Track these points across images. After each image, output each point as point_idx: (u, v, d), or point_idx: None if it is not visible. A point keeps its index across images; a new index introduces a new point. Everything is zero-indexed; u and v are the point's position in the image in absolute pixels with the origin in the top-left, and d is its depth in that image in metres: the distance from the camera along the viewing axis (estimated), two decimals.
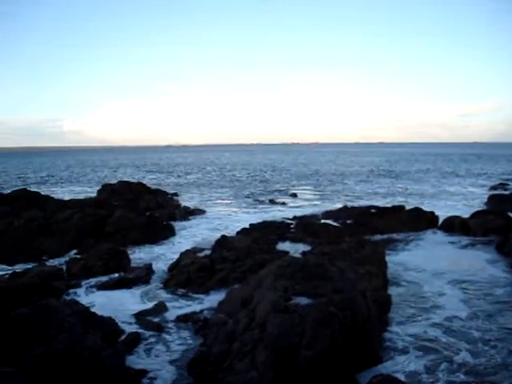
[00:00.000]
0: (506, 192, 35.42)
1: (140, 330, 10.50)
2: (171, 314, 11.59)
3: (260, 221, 23.02)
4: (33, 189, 31.17)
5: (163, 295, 13.20)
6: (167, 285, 13.93)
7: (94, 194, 34.82)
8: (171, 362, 9.15)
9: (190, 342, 10.08)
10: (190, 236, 21.44)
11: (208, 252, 16.46)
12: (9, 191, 28.80)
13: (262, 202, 33.65)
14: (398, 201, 30.87)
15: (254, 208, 30.98)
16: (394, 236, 20.70)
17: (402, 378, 8.24)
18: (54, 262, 16.73)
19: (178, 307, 12.15)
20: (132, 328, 10.69)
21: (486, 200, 30.90)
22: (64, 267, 15.48)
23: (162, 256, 17.72)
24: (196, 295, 13.06)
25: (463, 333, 10.42)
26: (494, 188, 40.18)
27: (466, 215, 23.02)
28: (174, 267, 15.13)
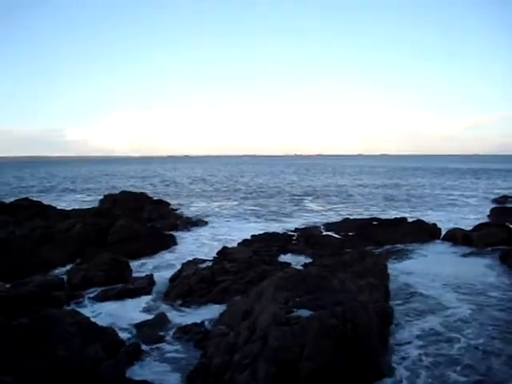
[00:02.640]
0: (509, 205, 35.38)
1: (140, 341, 10.47)
2: (172, 326, 11.55)
3: (262, 232, 23.03)
4: (35, 198, 31.19)
5: (164, 306, 13.16)
6: (168, 296, 13.89)
7: (96, 204, 34.88)
8: (171, 374, 9.11)
9: (190, 353, 10.03)
10: (192, 247, 21.43)
11: (209, 263, 16.44)
12: (12, 200, 28.84)
13: (264, 214, 33.59)
14: (400, 213, 30.80)
15: (257, 219, 30.94)
16: (396, 247, 20.72)
17: None
18: (55, 272, 16.74)
19: (178, 318, 12.11)
20: (133, 339, 10.67)
21: (488, 213, 30.84)
22: (65, 277, 15.48)
23: (163, 267, 17.71)
24: (197, 306, 13.01)
25: (469, 343, 10.41)
26: (496, 201, 40.09)
27: (468, 228, 23.07)
28: (175, 278, 15.12)
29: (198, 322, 11.59)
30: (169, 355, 10.02)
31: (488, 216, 30.06)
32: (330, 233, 23.70)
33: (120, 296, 13.72)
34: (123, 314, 12.32)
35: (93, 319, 10.24)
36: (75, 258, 17.95)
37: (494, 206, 34.34)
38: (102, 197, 37.09)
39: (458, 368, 9.22)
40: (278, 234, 23.10)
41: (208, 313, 12.38)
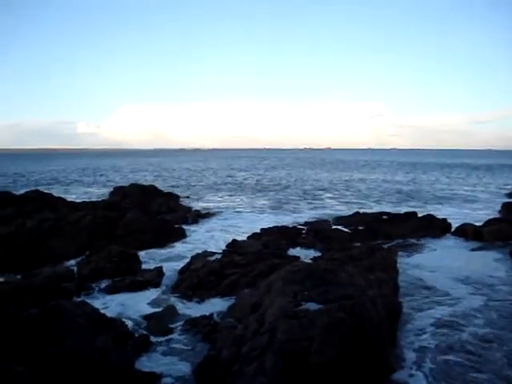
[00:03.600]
0: None
1: (149, 333, 10.53)
2: (181, 318, 11.59)
3: (271, 225, 23.01)
4: (45, 190, 31.29)
5: (173, 299, 13.21)
6: (177, 288, 13.93)
7: (106, 197, 35.01)
8: (180, 366, 9.15)
9: (198, 346, 10.07)
10: (201, 240, 21.44)
11: (218, 256, 16.46)
12: (22, 192, 28.96)
13: (274, 207, 33.54)
14: (410, 208, 30.65)
15: (267, 213, 30.90)
16: (406, 242, 20.66)
17: None
18: (65, 264, 16.85)
19: (187, 311, 12.17)
20: (141, 331, 10.73)
21: (499, 208, 30.60)
22: (75, 269, 15.57)
23: (172, 259, 17.75)
24: (206, 299, 13.04)
25: (478, 336, 10.48)
26: (508, 196, 39.76)
27: (479, 223, 22.93)
28: (184, 271, 15.16)
29: (207, 314, 11.61)
30: (177, 347, 10.06)
31: (499, 211, 29.82)
32: (339, 227, 23.64)
33: (129, 288, 13.78)
34: (132, 306, 12.40)
35: (102, 311, 10.30)
36: (85, 250, 17.99)
37: (505, 201, 34.03)
38: (111, 189, 37.23)
39: (468, 362, 9.24)
40: (288, 227, 23.06)
41: (217, 305, 12.42)
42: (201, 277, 14.10)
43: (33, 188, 34.19)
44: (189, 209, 30.84)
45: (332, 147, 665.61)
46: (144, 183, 40.70)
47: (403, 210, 28.53)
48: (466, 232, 21.55)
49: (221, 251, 17.47)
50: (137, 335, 10.20)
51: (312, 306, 8.75)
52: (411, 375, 8.75)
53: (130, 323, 10.87)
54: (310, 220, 26.30)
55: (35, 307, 8.56)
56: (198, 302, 12.90)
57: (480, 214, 28.93)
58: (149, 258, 17.72)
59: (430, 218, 23.43)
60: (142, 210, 24.98)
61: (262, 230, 21.96)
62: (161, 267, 15.60)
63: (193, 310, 12.29)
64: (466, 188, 48.83)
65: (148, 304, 12.74)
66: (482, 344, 10.03)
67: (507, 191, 43.32)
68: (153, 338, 10.30)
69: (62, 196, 30.20)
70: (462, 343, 10.09)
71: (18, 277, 14.07)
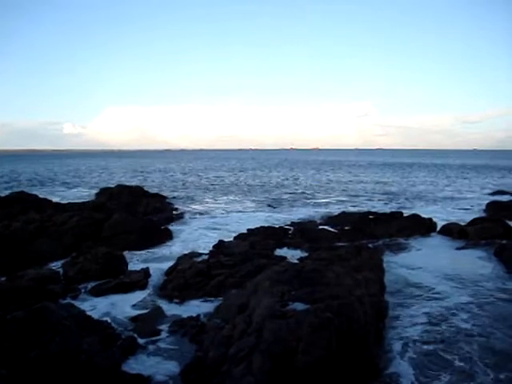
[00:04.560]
0: (504, 199, 35.33)
1: (136, 335, 10.46)
2: (167, 319, 11.55)
3: (258, 226, 22.96)
4: (31, 191, 30.98)
5: (160, 300, 13.15)
6: (164, 289, 13.87)
7: (92, 198, 34.75)
8: (167, 367, 9.12)
9: (186, 347, 10.04)
10: (188, 240, 21.39)
11: (205, 257, 16.41)
12: (7, 193, 28.64)
13: (261, 208, 33.50)
14: (396, 208, 30.83)
15: (255, 213, 30.86)
16: (392, 241, 20.79)
17: None
18: (51, 265, 16.67)
19: (174, 312, 12.12)
20: (128, 332, 10.65)
21: (484, 207, 30.88)
22: (61, 271, 15.43)
23: (159, 260, 17.69)
24: (193, 300, 13.01)
25: (461, 333, 10.69)
26: (492, 195, 40.08)
27: (464, 222, 23.13)
28: (170, 272, 15.10)
29: (194, 315, 11.60)
30: (164, 349, 10.03)
31: (484, 210, 30.11)
32: (326, 226, 23.69)
33: (116, 289, 13.70)
34: (119, 308, 12.33)
35: (88, 312, 10.24)
36: (71, 252, 17.84)
37: (490, 200, 34.29)
38: (97, 190, 37.01)
39: (450, 354, 9.55)
40: (274, 227, 23.04)
41: (204, 306, 12.42)
42: (187, 278, 14.06)
43: (18, 189, 33.81)
44: (176, 209, 30.77)
45: (319, 147, 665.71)
46: (130, 184, 40.50)
47: (389, 209, 28.70)
48: (452, 231, 21.75)
49: (208, 252, 17.43)
50: (124, 337, 10.12)
51: (299, 306, 8.77)
52: (397, 370, 8.91)
53: (116, 325, 10.81)
54: (298, 220, 26.31)
55: (20, 309, 8.47)
56: (185, 303, 12.86)
57: (465, 214, 29.23)
58: (135, 259, 17.68)
59: (415, 217, 23.57)
60: (128, 211, 24.84)
61: (248, 230, 21.92)
62: (147, 268, 15.52)
63: (180, 311, 12.26)
64: (451, 188, 49.22)
65: (135, 305, 12.67)
66: (465, 338, 10.34)
67: (492, 191, 43.69)
68: (140, 340, 10.25)
69: (48, 197, 29.94)
70: (445, 338, 10.36)
71: (3, 279, 13.89)
